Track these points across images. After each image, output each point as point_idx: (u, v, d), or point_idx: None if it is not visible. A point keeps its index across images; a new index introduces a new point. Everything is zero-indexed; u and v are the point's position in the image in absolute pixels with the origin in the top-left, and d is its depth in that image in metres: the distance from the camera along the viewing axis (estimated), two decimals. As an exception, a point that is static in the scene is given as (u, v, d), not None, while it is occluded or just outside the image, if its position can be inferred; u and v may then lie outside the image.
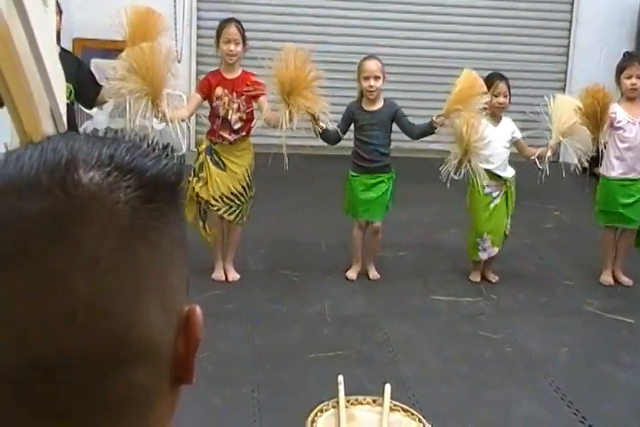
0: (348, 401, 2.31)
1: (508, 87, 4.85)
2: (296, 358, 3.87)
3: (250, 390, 3.54)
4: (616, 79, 4.96)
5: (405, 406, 2.35)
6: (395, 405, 2.33)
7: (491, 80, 4.86)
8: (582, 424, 3.42)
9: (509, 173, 4.90)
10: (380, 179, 4.81)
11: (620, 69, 4.92)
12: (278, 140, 4.41)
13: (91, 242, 0.59)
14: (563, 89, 8.26)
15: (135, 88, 4.15)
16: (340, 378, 2.35)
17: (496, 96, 4.80)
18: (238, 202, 4.71)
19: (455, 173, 4.58)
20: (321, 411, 2.26)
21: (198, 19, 7.78)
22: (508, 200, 4.91)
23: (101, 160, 0.62)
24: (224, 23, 4.63)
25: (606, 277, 5.08)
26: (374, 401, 2.34)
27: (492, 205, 4.87)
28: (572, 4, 8.25)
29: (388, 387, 2.36)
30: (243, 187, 4.71)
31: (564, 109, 4.70)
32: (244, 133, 4.66)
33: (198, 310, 0.66)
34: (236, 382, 3.60)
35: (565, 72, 8.37)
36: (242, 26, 4.63)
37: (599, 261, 5.14)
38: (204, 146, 4.72)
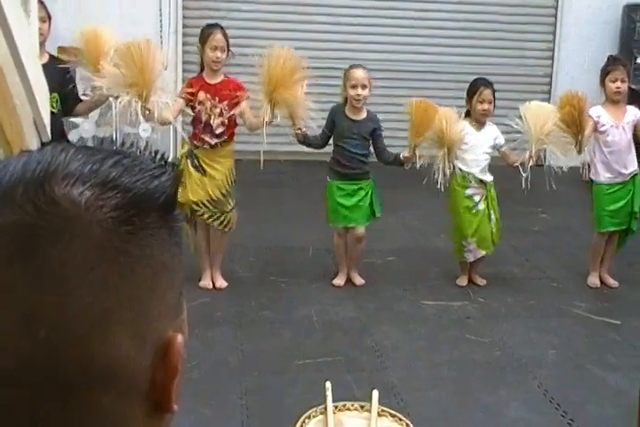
0: (335, 407, 2.31)
1: (493, 93, 4.86)
2: (284, 364, 3.87)
3: (238, 398, 3.54)
4: (600, 82, 4.97)
5: (393, 412, 2.35)
6: (383, 410, 2.33)
7: (475, 86, 4.87)
8: (570, 426, 3.43)
9: (489, 177, 4.92)
10: (360, 185, 4.81)
11: (605, 73, 4.93)
12: (264, 147, 4.42)
13: (56, 260, 0.57)
14: (548, 93, 8.31)
15: (125, 82, 4.16)
16: (328, 384, 2.35)
17: (481, 102, 4.81)
18: (220, 209, 4.70)
19: (440, 174, 4.59)
20: (309, 417, 2.25)
21: (184, 26, 7.79)
22: (489, 205, 4.92)
23: (84, 175, 0.59)
24: (209, 29, 4.62)
25: (593, 280, 5.10)
26: (362, 407, 2.34)
27: (475, 210, 4.88)
28: (557, 9, 8.31)
29: (375, 393, 2.36)
30: (222, 194, 4.70)
31: (538, 116, 4.71)
32: (225, 138, 4.66)
33: (179, 338, 0.63)
34: (225, 390, 3.60)
35: (550, 76, 8.42)
36: (225, 32, 4.64)
37: (586, 264, 5.16)
38: (185, 150, 4.73)
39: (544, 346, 4.21)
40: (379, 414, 2.31)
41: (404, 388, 3.67)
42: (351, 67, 4.81)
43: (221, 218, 4.71)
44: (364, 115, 4.80)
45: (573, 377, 3.91)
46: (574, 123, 4.68)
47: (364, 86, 4.70)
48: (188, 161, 4.64)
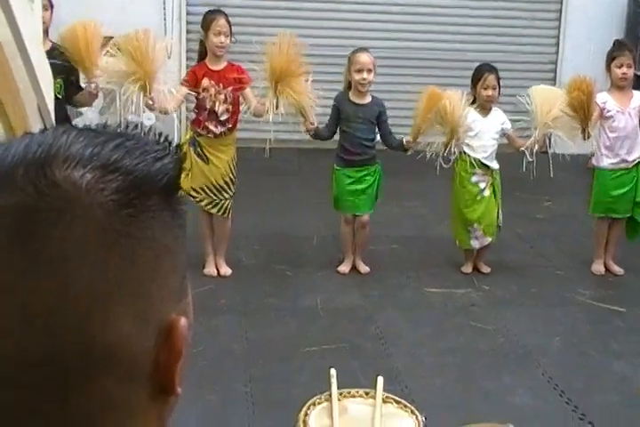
0: (340, 394, 2.31)
1: (498, 79, 4.84)
2: (289, 352, 3.88)
3: (243, 385, 3.55)
4: (606, 68, 4.93)
5: (398, 398, 2.36)
6: (387, 397, 2.34)
7: (480, 72, 4.85)
8: (574, 413, 3.44)
9: (495, 165, 4.91)
10: (366, 171, 4.81)
11: (611, 58, 4.89)
12: (269, 135, 4.41)
13: (56, 242, 0.57)
14: (553, 80, 8.27)
15: (128, 71, 4.16)
16: (333, 371, 2.35)
17: (485, 89, 4.80)
18: (220, 196, 4.70)
19: (444, 157, 4.59)
20: (314, 404, 2.26)
21: (188, 13, 7.76)
22: (495, 191, 4.92)
23: (85, 158, 0.59)
24: (212, 15, 4.60)
25: (598, 267, 5.10)
26: (367, 394, 2.34)
27: (480, 197, 4.88)
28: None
29: (380, 379, 2.36)
30: (225, 182, 4.70)
31: (545, 100, 4.69)
32: (230, 125, 4.65)
33: (183, 321, 0.63)
34: (230, 377, 3.61)
35: (555, 62, 8.38)
36: (228, 18, 4.62)
37: (590, 251, 5.16)
38: (187, 136, 4.72)
39: (548, 333, 4.21)
40: (383, 401, 2.32)
41: (408, 375, 3.68)
42: (356, 51, 4.79)
43: (220, 204, 4.71)
44: (368, 99, 4.79)
45: (577, 364, 3.91)
46: (582, 107, 4.66)
47: (369, 71, 4.69)
48: (191, 149, 4.64)
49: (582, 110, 4.66)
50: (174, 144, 0.65)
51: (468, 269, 5.02)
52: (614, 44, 5.10)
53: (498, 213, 4.95)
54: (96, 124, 0.68)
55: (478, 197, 4.87)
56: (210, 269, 4.79)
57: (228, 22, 4.56)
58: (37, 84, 1.76)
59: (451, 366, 3.82)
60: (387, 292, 4.69)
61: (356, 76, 4.69)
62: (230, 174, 4.71)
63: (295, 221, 5.78)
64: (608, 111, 4.88)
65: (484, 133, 4.81)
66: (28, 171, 0.58)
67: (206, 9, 4.89)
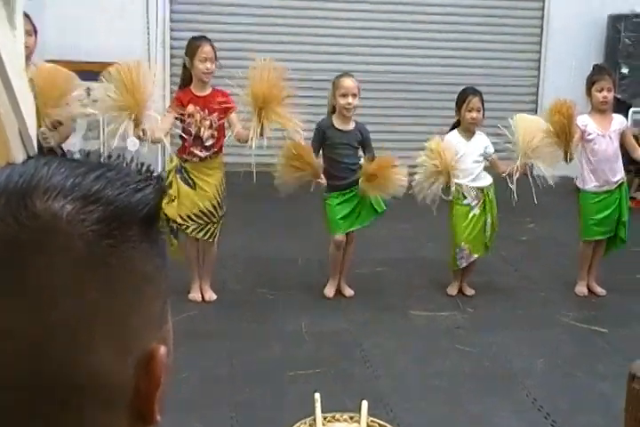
0: (325, 418, 2.31)
1: (482, 101, 4.89)
2: (274, 376, 3.86)
3: (228, 410, 3.52)
4: (587, 92, 4.99)
5: (383, 422, 2.35)
6: (372, 421, 2.33)
7: (464, 95, 4.90)
8: (560, 435, 3.43)
9: (486, 181, 4.93)
10: (353, 193, 4.82)
11: (591, 82, 4.95)
12: (252, 159, 4.42)
13: (36, 272, 0.57)
14: (535, 102, 8.37)
15: (119, 101, 4.16)
16: (317, 395, 2.35)
17: (469, 111, 4.84)
18: (207, 220, 4.68)
19: (444, 195, 4.66)
20: (298, 429, 2.25)
21: (172, 38, 7.80)
22: (486, 208, 4.93)
23: (66, 189, 0.60)
24: (198, 41, 4.61)
25: (581, 288, 5.12)
26: (351, 418, 2.34)
27: (470, 214, 4.90)
28: (542, 19, 8.38)
29: (364, 403, 2.36)
30: (213, 206, 4.70)
31: (527, 129, 4.73)
32: (215, 150, 4.66)
33: (162, 349, 0.63)
34: (215, 403, 3.58)
35: (537, 85, 8.47)
36: (213, 43, 4.65)
37: (573, 273, 5.18)
38: (173, 164, 4.71)
39: (533, 355, 4.21)
40: (368, 425, 2.31)
41: (393, 398, 3.66)
42: (340, 76, 4.83)
43: (205, 229, 4.70)
44: (352, 125, 4.82)
45: (562, 386, 3.91)
46: (564, 131, 4.70)
47: (354, 95, 4.72)
48: (177, 176, 4.62)
49: (564, 134, 4.71)
50: (156, 174, 0.66)
51: (453, 290, 5.02)
52: (593, 68, 5.17)
53: (490, 230, 4.94)
54: (79, 151, 0.69)
55: (469, 215, 4.89)
56: (195, 295, 4.77)
57: (213, 48, 4.59)
58: (18, 109, 1.77)
59: (436, 390, 3.81)
60: (372, 315, 4.69)
61: (341, 101, 4.72)
62: (218, 198, 4.71)
63: (279, 244, 5.78)
64: (589, 134, 4.92)
65: (466, 157, 4.84)
66: (9, 201, 0.59)
67: (190, 34, 4.92)
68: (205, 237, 4.72)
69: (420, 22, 8.20)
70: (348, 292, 4.94)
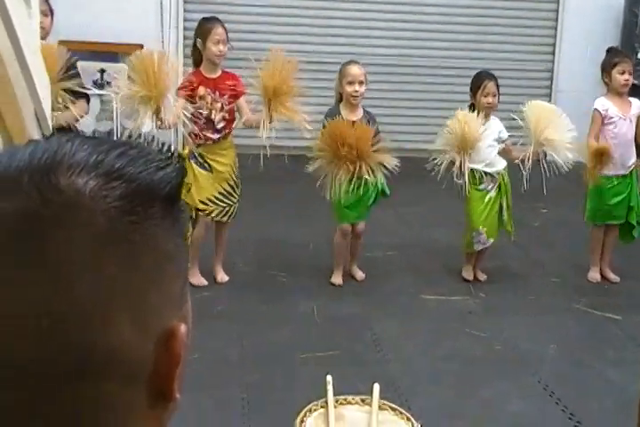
0: (336, 401, 2.31)
1: (497, 86, 4.85)
2: (285, 358, 3.87)
3: (239, 392, 3.54)
4: (606, 74, 4.93)
5: (394, 405, 2.36)
6: (383, 404, 2.34)
7: (479, 79, 4.86)
8: (571, 421, 3.43)
9: (500, 165, 4.90)
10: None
11: (612, 64, 4.88)
12: (263, 141, 4.42)
13: (58, 246, 0.57)
14: (549, 87, 8.32)
15: (142, 93, 4.15)
16: (329, 378, 2.36)
17: (485, 96, 4.80)
18: (229, 201, 4.69)
19: (457, 177, 4.62)
20: (310, 411, 2.26)
21: (185, 20, 7.77)
22: (501, 191, 4.91)
23: (89, 165, 0.60)
24: (209, 23, 4.58)
25: (594, 274, 5.10)
26: (363, 400, 2.35)
27: (486, 198, 4.87)
28: (558, 3, 8.30)
29: (376, 386, 2.36)
30: (231, 186, 4.70)
31: (540, 116, 4.68)
32: (226, 131, 4.65)
33: (182, 328, 0.63)
34: (226, 384, 3.60)
35: (552, 70, 8.41)
36: (224, 25, 4.62)
37: (586, 259, 5.16)
38: (186, 151, 4.68)
39: (544, 341, 4.21)
40: (379, 408, 2.32)
41: (404, 382, 3.67)
42: (347, 63, 4.79)
43: (229, 211, 4.70)
44: (360, 113, 4.78)
45: (573, 372, 3.91)
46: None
47: (361, 82, 4.68)
48: (192, 162, 4.60)
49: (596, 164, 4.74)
50: (176, 154, 0.66)
51: (469, 275, 4.98)
52: (610, 50, 5.11)
53: (506, 213, 4.92)
54: (95, 131, 0.69)
55: (485, 199, 4.86)
56: (199, 280, 4.64)
57: (225, 29, 4.57)
58: (35, 90, 1.76)
59: (447, 374, 3.81)
60: (383, 299, 4.69)
61: (348, 89, 4.68)
62: (234, 177, 4.71)
63: (291, 227, 5.78)
64: (610, 118, 4.88)
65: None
66: (32, 177, 0.59)
67: (204, 15, 4.89)
68: (228, 220, 4.71)
69: (433, 5, 8.14)
70: (360, 275, 4.94)
